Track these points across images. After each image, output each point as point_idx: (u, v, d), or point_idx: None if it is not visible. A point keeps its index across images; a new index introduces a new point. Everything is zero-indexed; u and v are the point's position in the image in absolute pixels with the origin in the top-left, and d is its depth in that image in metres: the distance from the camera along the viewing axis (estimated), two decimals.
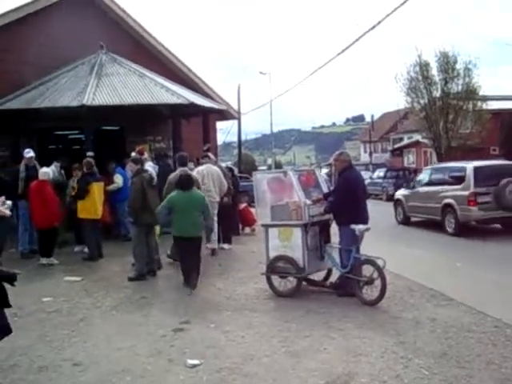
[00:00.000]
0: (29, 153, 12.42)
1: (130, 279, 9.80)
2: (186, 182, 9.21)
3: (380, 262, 7.85)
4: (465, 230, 14.99)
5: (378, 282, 7.82)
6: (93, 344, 6.59)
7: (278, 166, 60.12)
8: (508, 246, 12.96)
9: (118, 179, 13.44)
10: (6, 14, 16.46)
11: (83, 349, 6.43)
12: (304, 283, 8.79)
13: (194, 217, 9.04)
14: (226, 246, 12.98)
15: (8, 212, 3.45)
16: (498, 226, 16.03)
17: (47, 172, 11.54)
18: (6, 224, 3.39)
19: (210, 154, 13.00)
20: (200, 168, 12.21)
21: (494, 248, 12.94)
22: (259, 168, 56.59)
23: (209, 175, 12.02)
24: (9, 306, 3.76)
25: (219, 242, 12.72)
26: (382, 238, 13.20)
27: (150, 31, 19.57)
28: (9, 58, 15.78)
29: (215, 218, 12.37)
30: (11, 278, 3.81)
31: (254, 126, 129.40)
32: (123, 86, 15.41)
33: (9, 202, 3.50)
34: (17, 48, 15.97)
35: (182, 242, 9.10)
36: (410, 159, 48.36)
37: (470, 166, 15.45)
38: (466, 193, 14.88)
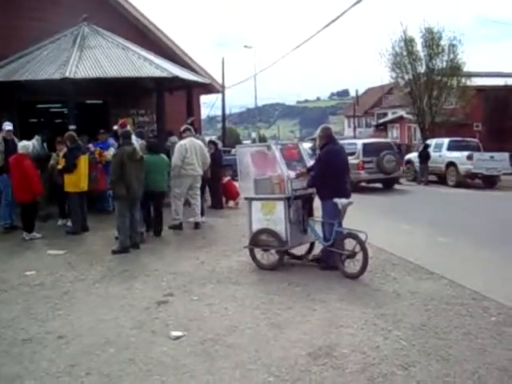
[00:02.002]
0: (8, 126, 12.28)
1: (114, 252, 9.82)
2: (155, 148, 11.86)
3: (362, 236, 7.93)
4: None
5: (359, 256, 7.90)
6: (76, 317, 6.62)
7: (263, 140, 60.12)
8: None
9: (112, 151, 13.38)
10: None
11: (67, 321, 6.46)
12: (286, 256, 8.86)
13: (162, 174, 11.49)
14: (203, 218, 12.87)
15: None
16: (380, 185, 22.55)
17: (26, 145, 11.43)
18: None
19: (190, 127, 12.93)
20: (182, 142, 12.19)
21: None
22: (243, 142, 56.52)
23: (191, 148, 12.02)
24: None
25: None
26: (366, 211, 13.28)
27: (133, 3, 19.34)
28: None
29: (198, 192, 12.40)
30: None
31: (238, 99, 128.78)
32: (106, 58, 15.24)
33: None
34: None
35: (150, 195, 11.09)
36: (393, 134, 48.50)
37: (359, 142, 23.32)
38: (357, 161, 21.08)
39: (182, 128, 12.85)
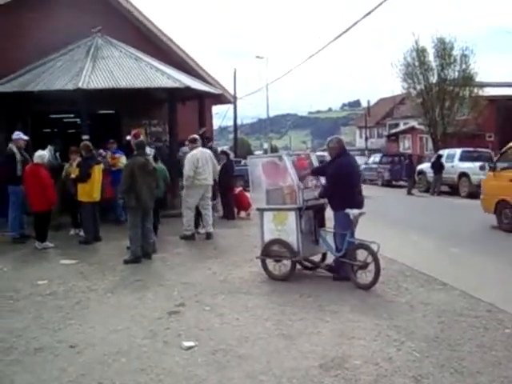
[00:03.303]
0: (18, 135, 12.36)
1: (126, 262, 9.84)
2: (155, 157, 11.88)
3: (374, 247, 7.90)
4: None
5: (372, 267, 7.86)
6: (88, 326, 6.63)
7: (274, 150, 60.10)
8: None
9: (124, 160, 13.39)
10: None
11: (79, 331, 6.47)
12: (298, 267, 8.84)
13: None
14: (203, 230, 12.66)
15: None
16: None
17: (41, 155, 11.50)
18: None
19: (197, 137, 12.89)
20: (193, 152, 12.17)
21: None
22: (255, 152, 56.62)
23: (202, 159, 12.04)
24: None
25: (197, 226, 12.70)
26: (378, 222, 13.23)
27: (146, 15, 19.46)
28: (4, 41, 15.70)
29: (209, 202, 12.41)
30: None
31: (250, 110, 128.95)
32: (119, 69, 15.36)
33: None
34: (12, 31, 15.90)
35: None
36: (405, 145, 48.48)
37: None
38: None
39: (190, 138, 12.83)
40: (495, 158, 15.21)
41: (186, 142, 13.41)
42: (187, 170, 11.93)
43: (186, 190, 12.15)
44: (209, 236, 12.16)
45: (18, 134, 12.35)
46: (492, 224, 13.96)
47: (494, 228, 13.83)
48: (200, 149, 12.31)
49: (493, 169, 14.52)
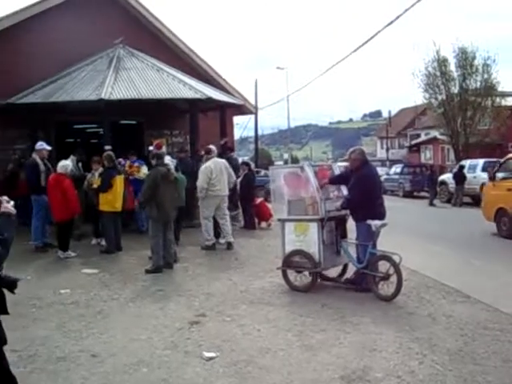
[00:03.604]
0: (41, 145, 12.48)
1: (147, 272, 9.87)
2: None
3: (396, 258, 7.86)
4: None
5: (393, 278, 7.82)
6: (110, 335, 6.66)
7: (295, 161, 60.08)
8: None
9: (145, 170, 13.44)
10: (27, 8, 16.61)
11: (101, 340, 6.50)
12: (319, 278, 8.82)
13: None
14: (223, 240, 12.68)
15: (14, 210, 3.41)
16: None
17: (65, 165, 11.60)
18: (13, 222, 3.19)
19: (212, 147, 12.90)
20: (207, 163, 12.20)
21: None
22: (276, 163, 56.64)
23: (217, 169, 12.07)
24: (7, 313, 3.63)
25: (218, 237, 12.68)
26: (401, 234, 13.15)
27: (168, 25, 19.60)
28: (29, 51, 15.90)
29: (226, 212, 12.42)
30: (12, 285, 3.67)
31: (270, 120, 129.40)
32: (141, 80, 15.48)
33: (12, 202, 3.48)
34: (37, 42, 16.10)
35: None
36: (427, 155, 48.18)
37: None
38: None
39: (205, 148, 12.88)
40: (495, 169, 15.82)
41: (202, 153, 13.49)
42: (201, 181, 11.97)
43: (200, 201, 12.20)
44: (229, 246, 12.17)
45: (41, 145, 12.47)
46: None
47: None
48: (214, 159, 12.34)
49: (492, 179, 15.34)
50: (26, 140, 15.65)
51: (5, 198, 3.40)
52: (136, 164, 14.08)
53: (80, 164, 14.23)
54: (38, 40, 16.14)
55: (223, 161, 12.62)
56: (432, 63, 34.85)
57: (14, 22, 16.10)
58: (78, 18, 16.90)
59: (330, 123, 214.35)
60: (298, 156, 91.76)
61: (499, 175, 15.10)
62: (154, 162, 10.57)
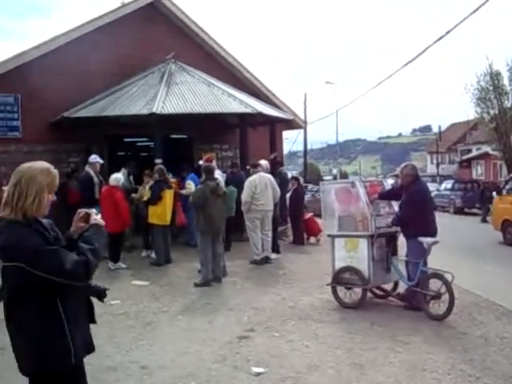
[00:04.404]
0: (95, 159, 12.73)
1: (196, 285, 9.94)
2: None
3: (448, 277, 7.72)
4: None
5: (445, 297, 7.68)
6: (159, 348, 6.71)
7: (344, 176, 59.89)
8: None
9: (191, 185, 13.59)
10: (80, 26, 17.01)
11: (150, 352, 6.56)
12: (369, 295, 8.73)
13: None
14: (273, 255, 12.75)
15: (103, 221, 3.53)
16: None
17: (117, 178, 11.80)
18: (103, 233, 3.30)
19: (262, 162, 12.96)
20: (252, 178, 12.28)
21: None
22: (324, 178, 56.45)
23: (261, 184, 12.10)
24: (94, 321, 3.75)
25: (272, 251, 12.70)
26: (451, 252, 12.93)
27: (218, 41, 19.81)
28: (83, 67, 16.27)
29: (269, 227, 12.39)
30: (101, 294, 3.80)
31: (319, 135, 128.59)
32: (192, 94, 15.63)
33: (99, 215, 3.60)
34: (90, 58, 16.45)
35: None
36: (478, 171, 47.34)
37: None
38: None
39: (252, 163, 12.93)
40: (502, 185, 18.16)
41: (248, 167, 13.55)
42: (245, 195, 12.03)
43: (245, 215, 12.24)
44: (267, 260, 12.17)
45: (94, 158, 12.72)
46: None
47: None
48: (260, 174, 12.37)
49: (500, 193, 17.64)
50: (79, 153, 15.98)
51: (93, 210, 3.50)
52: (188, 181, 14.13)
53: (131, 177, 14.44)
54: (92, 56, 16.48)
55: (269, 176, 12.64)
56: (484, 77, 34.28)
57: (69, 39, 16.50)
58: (130, 34, 17.25)
59: (379, 138, 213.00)
60: (347, 171, 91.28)
61: (505, 190, 17.21)
62: (203, 176, 10.66)
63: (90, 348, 3.64)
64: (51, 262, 3.05)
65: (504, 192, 17.24)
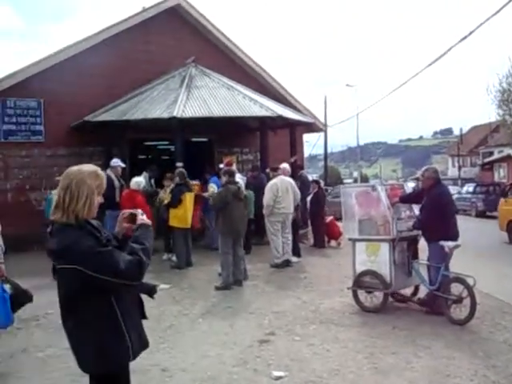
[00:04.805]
0: (116, 163, 12.81)
1: (217, 288, 9.97)
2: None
3: (470, 281, 7.65)
4: None
5: (467, 301, 7.60)
6: (180, 351, 6.73)
7: (364, 179, 59.59)
8: None
9: (213, 188, 13.63)
10: (103, 30, 17.17)
11: (171, 355, 6.58)
12: (390, 299, 8.68)
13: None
14: (294, 258, 12.71)
15: (150, 221, 3.60)
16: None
17: (138, 181, 11.88)
18: (151, 232, 3.36)
19: (283, 166, 12.98)
20: (273, 181, 12.29)
21: None
22: (345, 181, 56.27)
23: (283, 187, 12.10)
24: (145, 317, 3.79)
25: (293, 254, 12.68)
26: (471, 255, 12.82)
27: (238, 45, 19.88)
28: (104, 72, 16.41)
29: (289, 230, 12.38)
30: (151, 291, 3.88)
31: (339, 138, 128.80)
32: (212, 98, 15.70)
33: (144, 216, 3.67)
34: (111, 63, 16.60)
35: None
36: (500, 174, 46.86)
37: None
38: None
39: (271, 167, 12.93)
40: (507, 188, 19.28)
41: (267, 170, 13.56)
42: (267, 198, 12.04)
43: (267, 218, 12.25)
44: (288, 263, 12.15)
45: (116, 162, 12.81)
46: None
47: None
48: (281, 177, 12.39)
49: (505, 196, 18.77)
50: (101, 157, 16.11)
51: (139, 211, 3.58)
52: (211, 184, 14.18)
53: (153, 180, 14.52)
54: (113, 61, 16.65)
55: (289, 179, 12.64)
56: (507, 78, 33.94)
57: (91, 44, 16.66)
58: (151, 38, 17.41)
59: (400, 141, 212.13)
60: (367, 174, 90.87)
61: (510, 193, 18.40)
62: (224, 179, 10.68)
63: (144, 344, 3.70)
64: (105, 263, 3.11)
65: (509, 195, 18.42)
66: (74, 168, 3.35)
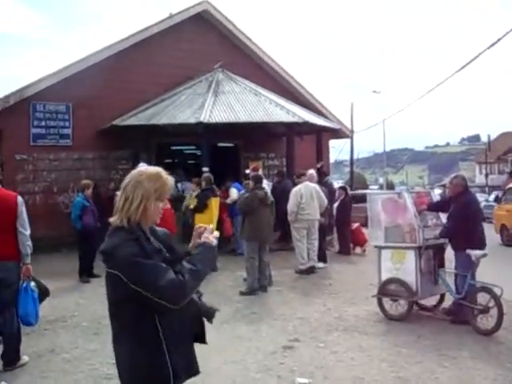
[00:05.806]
0: (143, 166, 12.88)
1: (242, 293, 9.98)
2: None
3: (497, 290, 7.57)
4: None
5: (493, 311, 7.51)
6: (203, 356, 6.71)
7: (390, 185, 59.24)
8: None
9: (233, 193, 13.69)
10: (130, 36, 17.34)
11: None
12: (415, 307, 8.62)
13: None
14: (321, 264, 12.70)
15: (215, 241, 3.25)
16: None
17: None
18: (212, 255, 2.89)
19: (309, 172, 12.94)
20: (297, 187, 12.26)
21: None
22: (370, 187, 55.97)
23: (307, 193, 12.07)
24: (204, 342, 3.48)
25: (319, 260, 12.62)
26: (499, 264, 12.66)
27: (265, 50, 19.94)
28: (132, 77, 16.57)
29: (314, 237, 12.34)
30: (210, 314, 3.44)
31: (366, 144, 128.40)
32: (239, 103, 15.76)
33: (216, 233, 3.30)
34: (139, 68, 16.77)
35: None
36: None
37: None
38: None
39: (297, 172, 12.96)
40: (501, 194, 21.86)
41: (294, 177, 13.56)
42: (291, 205, 12.02)
43: (291, 224, 12.24)
44: (312, 270, 12.12)
45: (142, 166, 12.88)
46: None
47: None
48: (306, 183, 12.34)
49: (499, 202, 21.23)
50: (128, 160, 16.26)
51: (210, 226, 3.29)
52: (231, 188, 14.24)
53: (179, 185, 14.59)
54: (141, 66, 16.83)
55: (314, 185, 12.60)
56: None
57: (119, 49, 16.84)
58: (178, 44, 17.55)
59: (427, 147, 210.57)
60: (393, 180, 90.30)
61: (504, 199, 20.46)
62: (251, 184, 10.70)
63: (192, 371, 3.37)
64: (142, 274, 2.82)
65: (502, 201, 20.63)
66: (138, 169, 3.19)
